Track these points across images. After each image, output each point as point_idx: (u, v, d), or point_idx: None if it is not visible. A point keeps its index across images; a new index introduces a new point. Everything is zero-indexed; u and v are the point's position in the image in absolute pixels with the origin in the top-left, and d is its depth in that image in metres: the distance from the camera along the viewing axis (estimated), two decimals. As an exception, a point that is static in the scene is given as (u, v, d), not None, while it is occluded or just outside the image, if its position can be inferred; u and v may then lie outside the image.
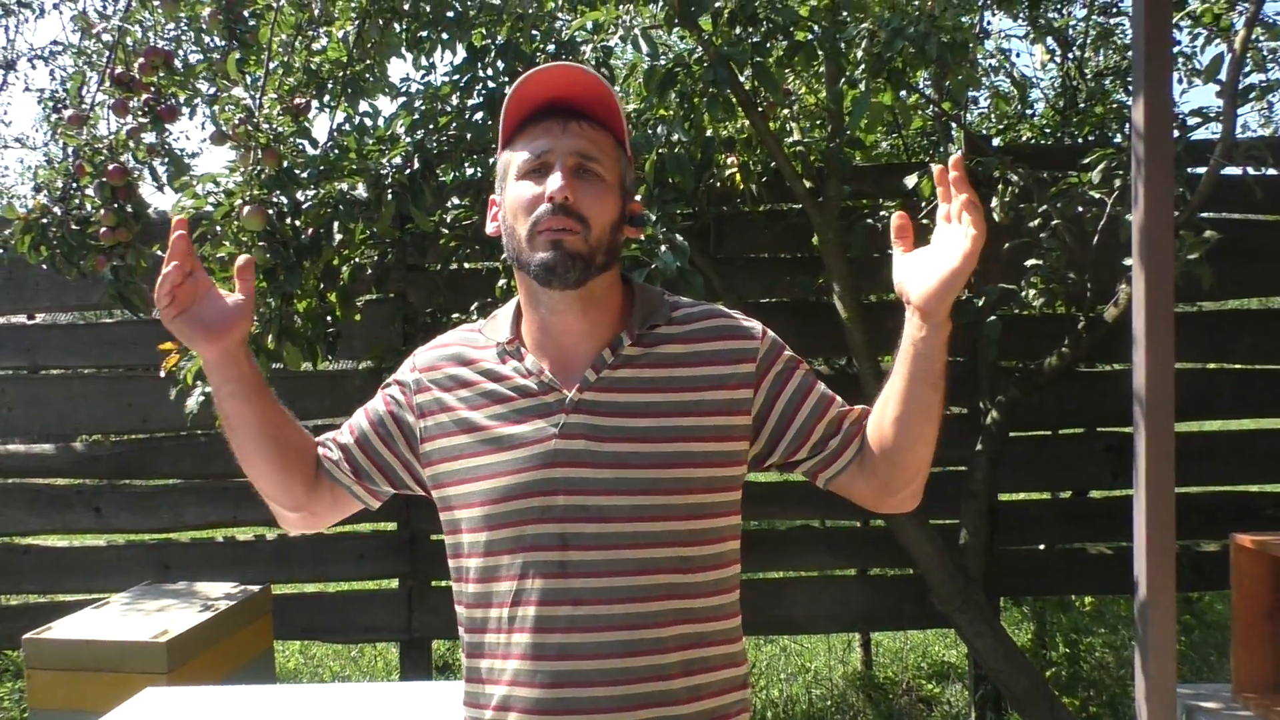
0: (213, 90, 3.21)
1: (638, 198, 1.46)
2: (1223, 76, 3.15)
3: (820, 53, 3.05)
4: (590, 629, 1.28)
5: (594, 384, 1.33)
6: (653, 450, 1.31)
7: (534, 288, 1.35)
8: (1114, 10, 4.99)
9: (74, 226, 2.93)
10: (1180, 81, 4.86)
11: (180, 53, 3.57)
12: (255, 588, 3.37)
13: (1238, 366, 4.08)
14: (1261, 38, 3.28)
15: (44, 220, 2.95)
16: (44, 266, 3.05)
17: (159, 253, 3.78)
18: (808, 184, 3.46)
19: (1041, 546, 4.26)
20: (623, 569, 1.29)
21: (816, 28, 3.05)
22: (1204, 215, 3.27)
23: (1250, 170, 3.34)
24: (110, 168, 2.89)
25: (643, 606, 1.29)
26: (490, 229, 1.43)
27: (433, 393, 1.41)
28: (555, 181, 1.29)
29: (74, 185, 2.94)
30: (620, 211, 1.37)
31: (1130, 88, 4.61)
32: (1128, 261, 3.02)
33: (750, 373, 1.37)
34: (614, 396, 1.33)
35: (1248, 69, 3.27)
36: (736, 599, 1.40)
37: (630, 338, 1.36)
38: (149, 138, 2.99)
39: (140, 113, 2.97)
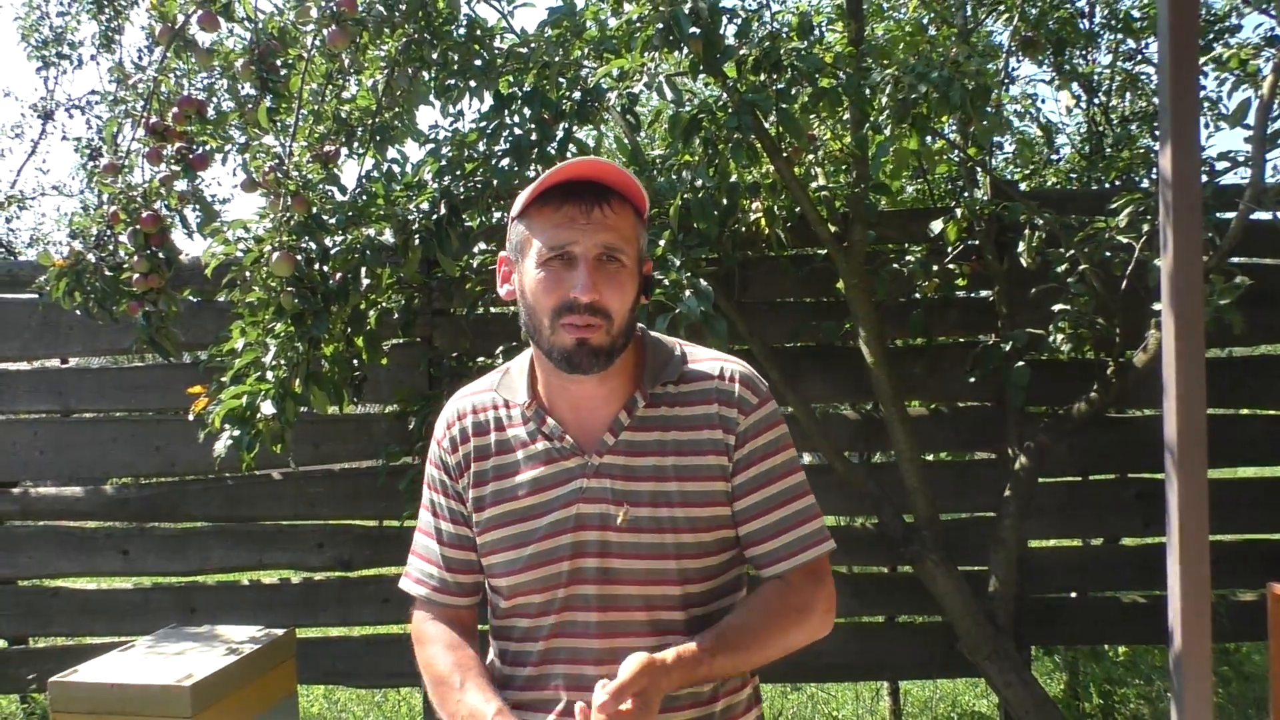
0: (244, 138, 3.26)
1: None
2: (1251, 121, 3.13)
3: (845, 99, 3.07)
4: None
5: (613, 447, 1.38)
6: (667, 515, 1.37)
7: (551, 365, 1.38)
8: (1139, 57, 4.99)
9: (108, 273, 2.97)
10: (1207, 126, 4.85)
11: (213, 101, 3.64)
12: (279, 631, 3.36)
13: (1272, 412, 4.02)
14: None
15: (78, 267, 3.00)
16: (78, 312, 3.09)
17: (190, 298, 3.84)
18: (832, 229, 3.46)
19: (1073, 594, 4.19)
20: (634, 630, 1.36)
21: (841, 74, 3.07)
22: (1234, 260, 3.24)
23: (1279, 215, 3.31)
24: (144, 215, 2.94)
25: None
26: (503, 292, 1.44)
27: (467, 475, 1.44)
28: (582, 286, 1.31)
29: (108, 232, 2.99)
30: (639, 288, 1.39)
31: (1157, 133, 4.60)
32: (1156, 306, 3.01)
33: (730, 444, 1.40)
34: (629, 460, 1.38)
35: (1276, 114, 3.25)
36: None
37: (644, 398, 1.39)
38: (181, 185, 3.04)
39: (173, 161, 3.02)
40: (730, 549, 1.42)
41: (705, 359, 1.45)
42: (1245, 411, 4.08)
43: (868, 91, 2.98)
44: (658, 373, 1.41)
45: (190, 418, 3.14)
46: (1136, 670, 4.79)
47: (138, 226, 2.91)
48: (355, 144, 3.23)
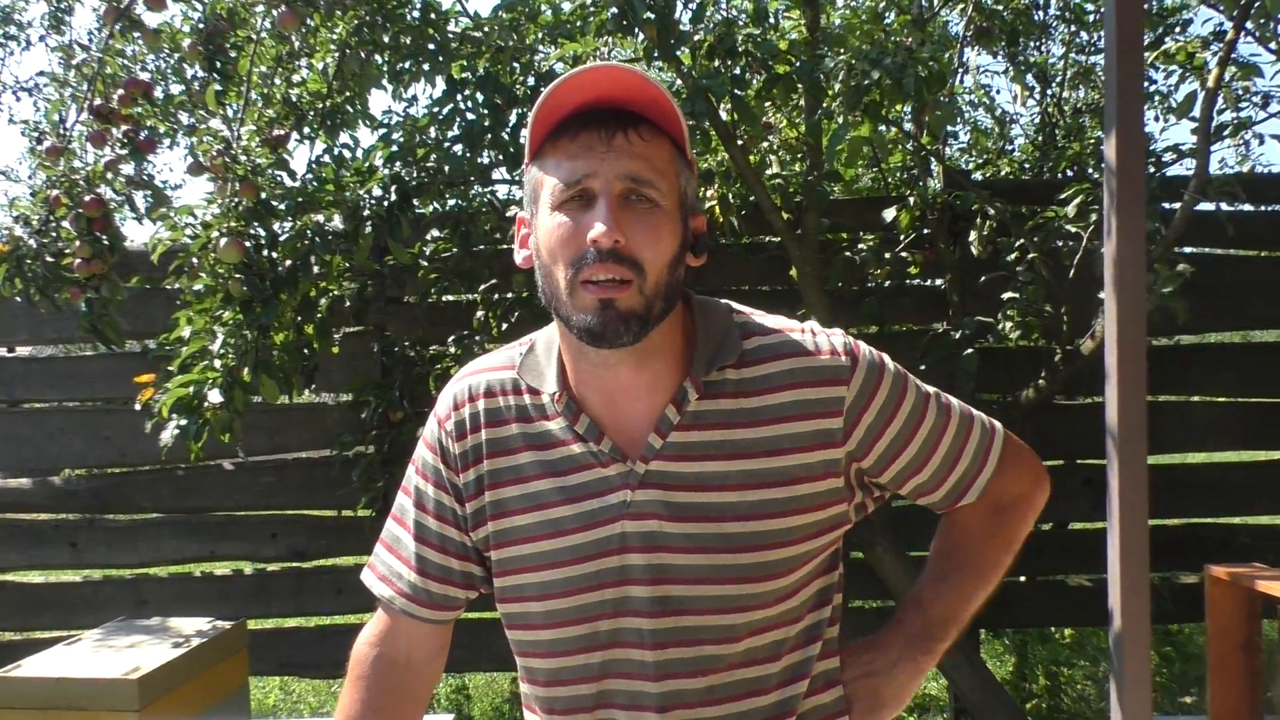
0: (192, 122, 3.21)
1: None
2: (1197, 113, 3.18)
3: (799, 86, 3.08)
4: None
5: (661, 451, 1.10)
6: (736, 530, 1.09)
7: (577, 341, 1.09)
8: (1091, 49, 5.05)
9: (49, 259, 2.91)
10: (1158, 119, 4.92)
11: (161, 84, 3.58)
12: (229, 623, 3.33)
13: (1225, 399, 4.09)
14: (1234, 78, 3.32)
15: (19, 253, 2.94)
16: (18, 299, 3.03)
17: (137, 286, 3.78)
18: (786, 217, 3.47)
19: (1022, 578, 4.25)
20: (711, 667, 1.10)
21: (796, 61, 3.08)
22: (1180, 250, 3.30)
23: (1224, 206, 3.37)
24: (87, 199, 2.89)
25: (737, 706, 1.12)
26: (519, 258, 1.16)
27: (474, 470, 1.17)
28: (600, 224, 1.02)
29: (50, 217, 2.93)
30: (681, 239, 1.09)
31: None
32: (1103, 295, 3.05)
33: (836, 430, 1.11)
34: (685, 466, 1.10)
35: (1221, 107, 3.31)
36: (836, 667, 1.21)
37: (696, 389, 1.10)
38: (127, 169, 2.99)
39: (119, 144, 2.96)
40: (821, 555, 1.16)
41: (768, 332, 1.15)
42: (1196, 399, 4.15)
43: (822, 79, 2.99)
44: (712, 355, 1.12)
45: (137, 407, 3.09)
46: (1082, 652, 4.88)
47: (80, 210, 2.86)
48: (305, 128, 3.19)
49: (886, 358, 1.18)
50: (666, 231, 1.07)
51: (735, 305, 1.19)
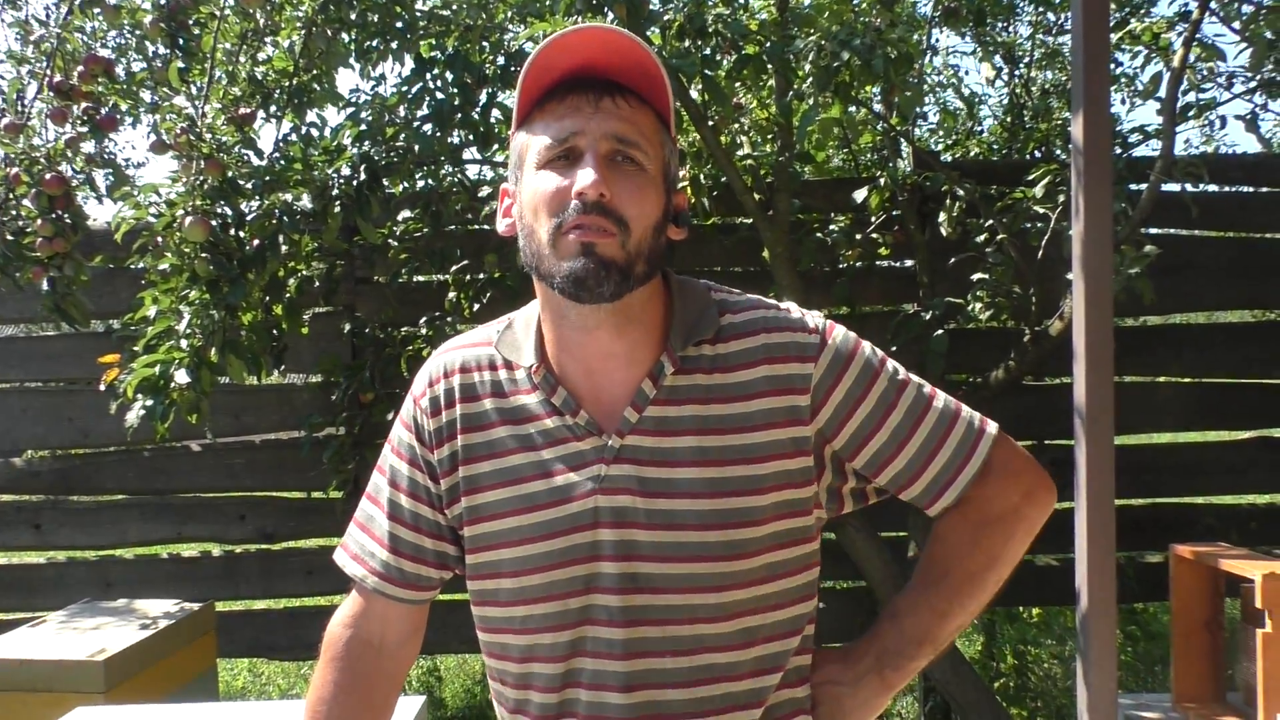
0: (155, 99, 3.16)
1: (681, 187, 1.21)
2: (1162, 94, 3.20)
3: (769, 66, 3.07)
4: (651, 716, 1.10)
5: (636, 426, 1.10)
6: (709, 507, 1.08)
7: (559, 301, 1.09)
8: (1058, 29, 5.08)
9: (9, 237, 2.86)
10: (1124, 101, 4.96)
11: (122, 61, 3.51)
12: (197, 605, 3.30)
13: (1188, 380, 4.14)
14: (1199, 58, 3.35)
15: (-22, 231, 2.89)
16: (-22, 278, 2.98)
17: (102, 265, 3.72)
18: (758, 198, 3.47)
19: (990, 558, 4.29)
20: (679, 648, 1.09)
21: (766, 41, 3.07)
22: (1146, 231, 3.33)
23: (1189, 187, 3.40)
24: (48, 177, 2.84)
25: (704, 691, 1.10)
26: (502, 227, 1.17)
27: (448, 446, 1.16)
28: (587, 174, 1.03)
29: (10, 195, 2.88)
30: (664, 209, 1.11)
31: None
32: (1071, 276, 3.07)
33: (804, 406, 1.11)
34: (660, 440, 1.10)
35: (1186, 88, 3.33)
36: (806, 663, 1.19)
37: (673, 363, 1.11)
38: (88, 147, 2.94)
39: (80, 121, 2.91)
40: (801, 543, 1.14)
41: (743, 309, 1.16)
42: (1162, 380, 4.19)
43: (792, 59, 2.98)
44: (689, 330, 1.12)
45: (102, 388, 3.06)
46: (1049, 631, 4.93)
47: (41, 189, 2.81)
48: (272, 107, 3.15)
49: (866, 343, 1.17)
50: (651, 195, 1.08)
51: (713, 285, 1.20)
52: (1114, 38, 3.28)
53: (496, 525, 1.13)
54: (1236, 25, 3.43)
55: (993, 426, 1.18)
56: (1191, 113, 3.49)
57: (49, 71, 2.94)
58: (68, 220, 2.87)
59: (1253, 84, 3.64)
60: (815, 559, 1.18)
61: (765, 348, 1.13)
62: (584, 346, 1.12)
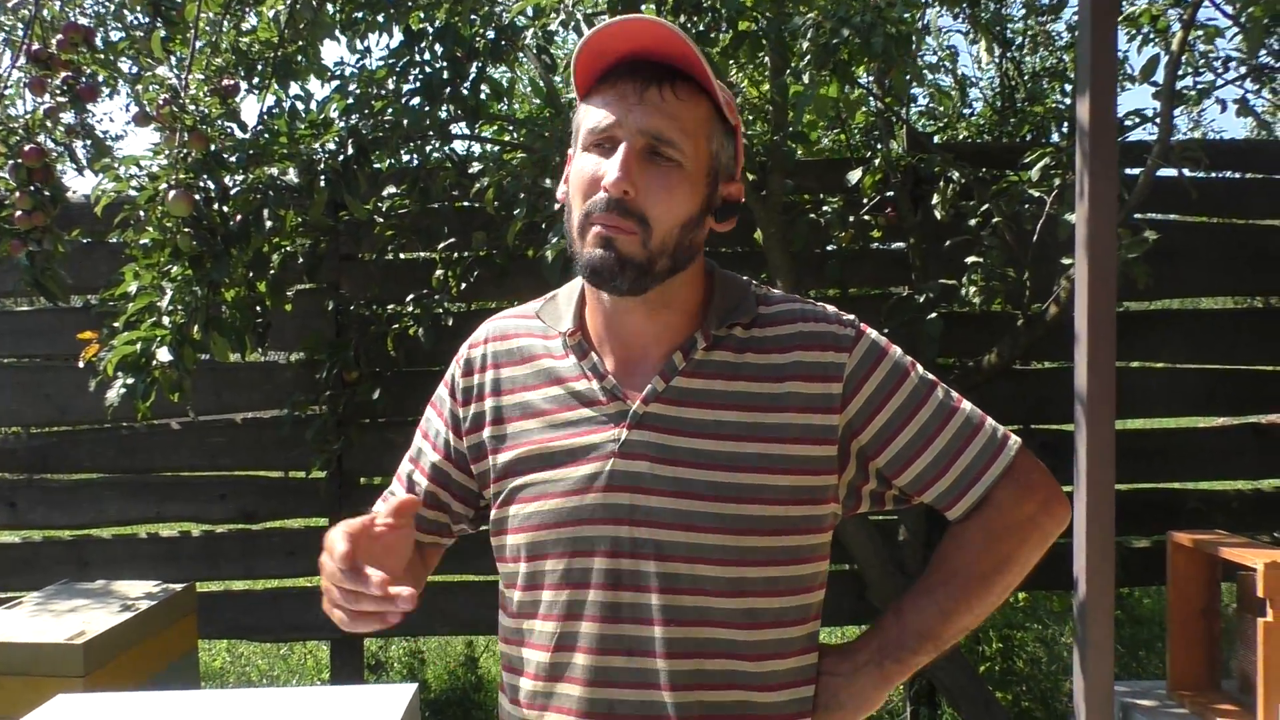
0: (136, 70, 3.09)
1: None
2: (1159, 78, 3.18)
3: (765, 44, 3.02)
4: (641, 685, 1.10)
5: (661, 394, 1.13)
6: (724, 480, 1.10)
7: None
8: (1050, 12, 5.04)
9: (-15, 210, 2.79)
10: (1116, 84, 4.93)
11: (102, 30, 3.43)
12: (178, 586, 3.25)
13: (1176, 366, 4.13)
14: (1198, 41, 3.32)
15: (-47, 203, 2.82)
16: (-47, 251, 2.91)
17: (81, 239, 3.65)
18: (750, 177, 3.43)
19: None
20: (681, 618, 1.10)
21: (762, 18, 3.02)
22: (1140, 216, 3.30)
23: (1186, 172, 3.37)
24: (26, 148, 2.77)
25: (699, 664, 1.10)
26: (560, 193, 1.19)
27: (475, 405, 1.22)
28: (614, 170, 1.07)
29: (-14, 166, 2.81)
30: (702, 202, 1.13)
31: (1068, 89, 4.67)
32: (1066, 260, 3.05)
33: (835, 395, 1.13)
34: (683, 411, 1.12)
35: (1183, 72, 3.30)
36: (813, 663, 1.18)
37: (705, 339, 1.14)
38: (68, 117, 2.87)
39: (59, 91, 2.84)
40: (814, 532, 1.15)
41: (780, 301, 1.20)
42: (1159, 365, 4.18)
43: (788, 37, 2.93)
44: (726, 313, 1.16)
45: (81, 364, 2.99)
46: (1035, 615, 4.95)
47: (19, 160, 2.74)
48: (256, 78, 3.08)
49: (895, 346, 1.20)
50: (682, 192, 1.11)
51: (755, 281, 1.24)
52: (1112, 20, 3.24)
53: (516, 481, 1.16)
54: (1229, 10, 3.39)
55: (1015, 439, 1.21)
56: (1190, 97, 3.47)
57: (27, 40, 2.86)
58: (47, 193, 2.80)
59: (1243, 70, 3.62)
60: (826, 551, 1.18)
61: (800, 335, 1.16)
62: (619, 323, 1.17)
